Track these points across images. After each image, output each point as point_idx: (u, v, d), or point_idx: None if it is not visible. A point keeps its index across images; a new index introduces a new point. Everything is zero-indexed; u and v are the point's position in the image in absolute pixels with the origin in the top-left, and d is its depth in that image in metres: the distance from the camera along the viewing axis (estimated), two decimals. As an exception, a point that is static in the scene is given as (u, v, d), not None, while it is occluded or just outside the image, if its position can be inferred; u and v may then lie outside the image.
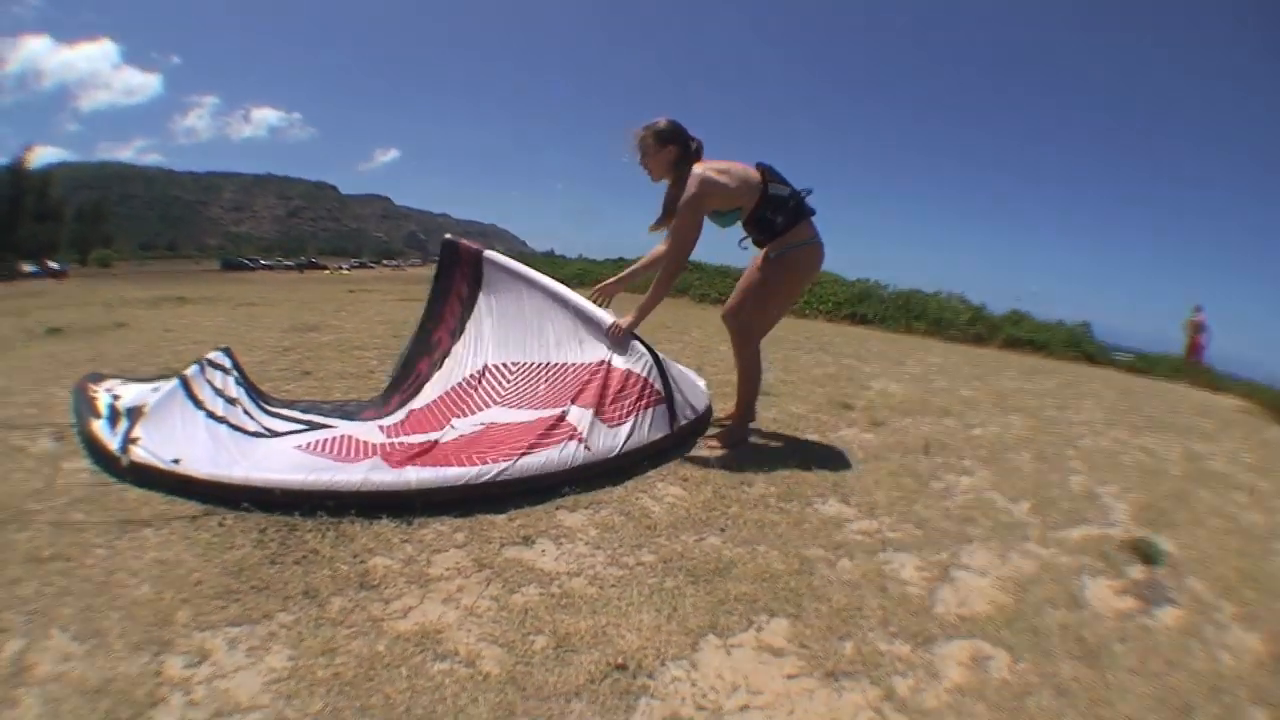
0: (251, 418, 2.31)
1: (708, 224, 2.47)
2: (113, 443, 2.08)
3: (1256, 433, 4.29)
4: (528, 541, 1.77)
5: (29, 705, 1.12)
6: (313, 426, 2.30)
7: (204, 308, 6.83)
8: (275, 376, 3.32)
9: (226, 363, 2.59)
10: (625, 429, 2.31)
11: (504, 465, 2.01)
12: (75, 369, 3.32)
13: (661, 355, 2.59)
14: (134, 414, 2.22)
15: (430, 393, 2.68)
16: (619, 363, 2.46)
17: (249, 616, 1.38)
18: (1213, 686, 1.39)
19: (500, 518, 1.89)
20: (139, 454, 1.98)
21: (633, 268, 2.75)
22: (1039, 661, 1.41)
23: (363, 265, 79.68)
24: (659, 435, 2.42)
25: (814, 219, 2.53)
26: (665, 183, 2.57)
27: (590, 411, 2.28)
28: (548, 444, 2.14)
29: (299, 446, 2.10)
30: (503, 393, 2.57)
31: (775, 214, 2.45)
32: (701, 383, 3.10)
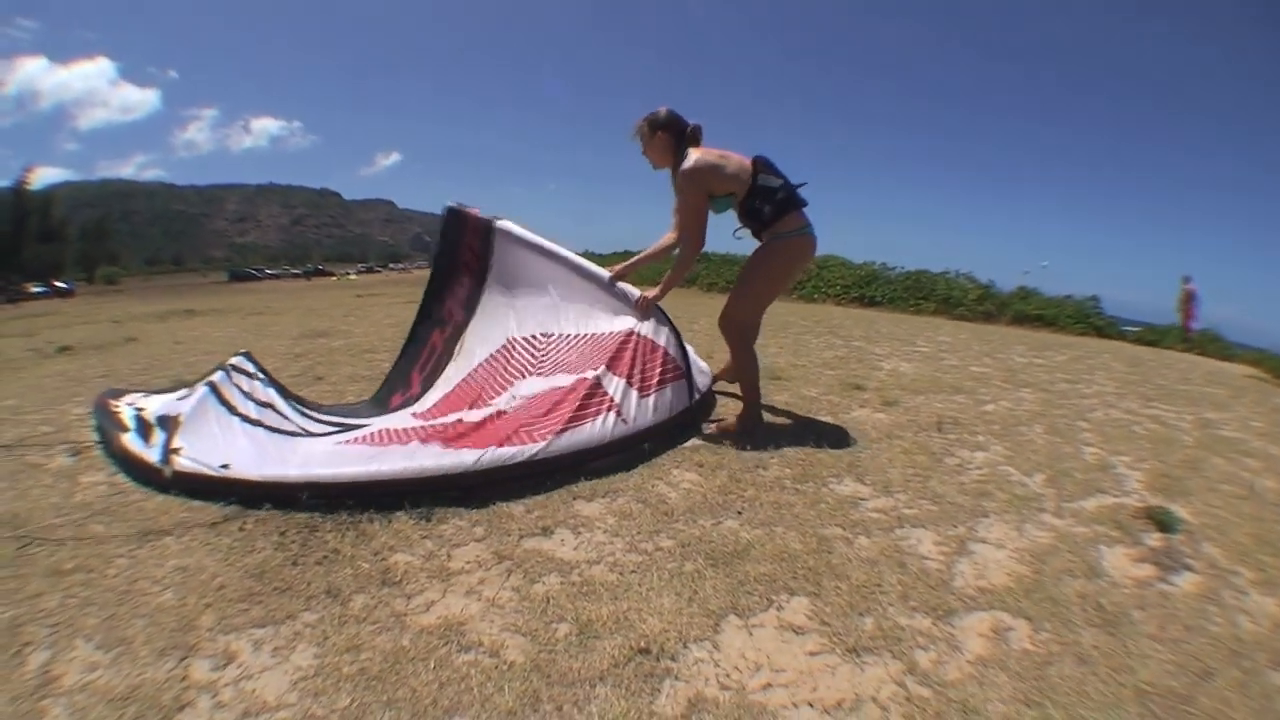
0: (286, 419, 2.33)
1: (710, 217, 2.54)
2: (151, 455, 2.07)
3: (1266, 399, 4.26)
4: (546, 532, 1.78)
5: (57, 715, 1.13)
6: (347, 428, 2.32)
7: (213, 319, 6.87)
8: (288, 382, 3.32)
9: (250, 367, 2.61)
10: (652, 400, 2.39)
11: (545, 443, 2.07)
12: (87, 386, 3.35)
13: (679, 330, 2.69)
14: (168, 423, 2.21)
15: (455, 372, 2.70)
16: (645, 331, 2.55)
17: (273, 617, 1.39)
18: (1232, 651, 1.39)
19: (518, 509, 1.90)
20: (183, 464, 1.97)
21: (638, 257, 2.76)
22: (1059, 631, 1.41)
23: (369, 270, 79.57)
24: (680, 409, 2.50)
25: (807, 210, 2.57)
26: (669, 173, 2.62)
27: (623, 381, 2.36)
28: (586, 416, 2.21)
29: (340, 443, 2.12)
30: (535, 363, 2.61)
31: (763, 203, 2.50)
32: (704, 364, 3.13)
